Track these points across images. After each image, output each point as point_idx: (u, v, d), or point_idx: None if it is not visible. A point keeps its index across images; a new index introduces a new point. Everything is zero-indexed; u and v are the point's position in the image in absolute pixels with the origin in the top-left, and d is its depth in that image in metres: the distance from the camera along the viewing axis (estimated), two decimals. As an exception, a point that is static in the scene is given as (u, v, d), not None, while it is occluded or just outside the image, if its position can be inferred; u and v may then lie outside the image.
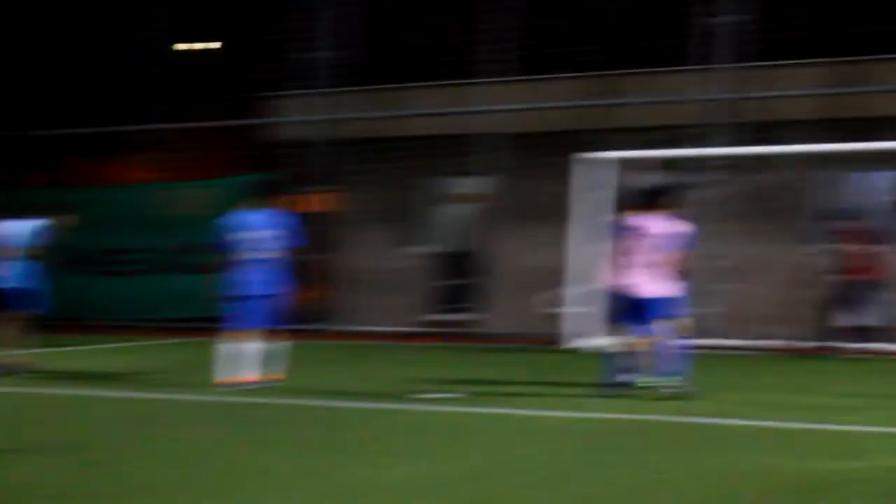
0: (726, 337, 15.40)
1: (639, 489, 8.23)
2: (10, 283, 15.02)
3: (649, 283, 12.32)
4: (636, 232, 12.48)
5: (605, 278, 12.93)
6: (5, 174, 23.89)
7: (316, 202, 21.95)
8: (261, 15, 23.03)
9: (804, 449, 9.56)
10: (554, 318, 18.71)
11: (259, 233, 13.42)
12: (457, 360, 17.32)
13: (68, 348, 17.89)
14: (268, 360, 13.28)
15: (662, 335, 12.37)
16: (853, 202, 17.63)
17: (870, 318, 16.35)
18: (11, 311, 15.01)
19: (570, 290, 17.96)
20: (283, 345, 13.38)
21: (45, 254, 15.01)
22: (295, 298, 13.60)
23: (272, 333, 13.27)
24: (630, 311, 12.61)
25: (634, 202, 13.02)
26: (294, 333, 13.81)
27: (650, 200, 12.59)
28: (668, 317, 12.34)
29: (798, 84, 18.50)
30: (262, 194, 13.65)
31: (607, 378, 12.51)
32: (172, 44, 25.17)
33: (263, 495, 8.07)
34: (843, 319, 16.27)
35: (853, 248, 16.36)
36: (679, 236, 12.37)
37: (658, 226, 12.43)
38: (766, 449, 9.59)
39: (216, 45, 26.49)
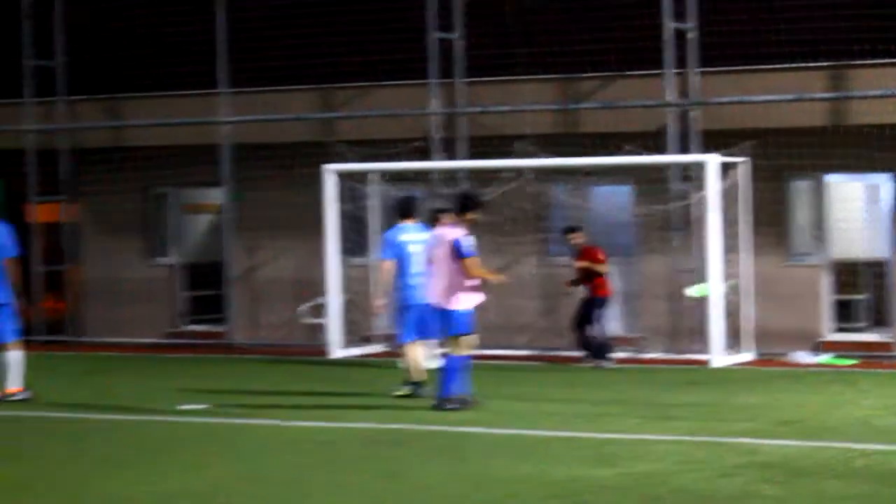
0: (486, 347, 15.95)
1: (394, 499, 8.60)
2: None
3: (446, 295, 12.63)
4: (434, 243, 12.86)
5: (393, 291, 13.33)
6: None
7: (50, 212, 21.70)
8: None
9: (562, 456, 10.19)
10: (314, 328, 19.01)
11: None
12: (205, 372, 17.52)
13: None
14: (3, 372, 13.27)
15: (451, 349, 12.70)
16: (581, 216, 18.41)
17: (603, 330, 17.15)
18: None
19: (330, 301, 18.29)
20: (18, 355, 13.34)
21: None
22: (25, 309, 13.59)
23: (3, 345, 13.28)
24: (427, 322, 12.99)
25: (436, 212, 13.57)
26: (30, 345, 13.75)
27: (457, 209, 12.85)
28: (457, 332, 12.66)
29: (535, 99, 19.24)
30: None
31: (443, 392, 12.65)
32: None
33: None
34: (592, 331, 17.05)
35: (581, 263, 17.22)
36: (463, 246, 12.60)
37: (451, 235, 12.72)
38: (526, 456, 10.18)
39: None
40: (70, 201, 21.76)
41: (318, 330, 18.94)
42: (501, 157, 18.41)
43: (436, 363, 13.57)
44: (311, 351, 18.79)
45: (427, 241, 13.23)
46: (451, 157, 19.23)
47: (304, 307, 19.48)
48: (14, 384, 13.49)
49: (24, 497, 8.68)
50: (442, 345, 13.37)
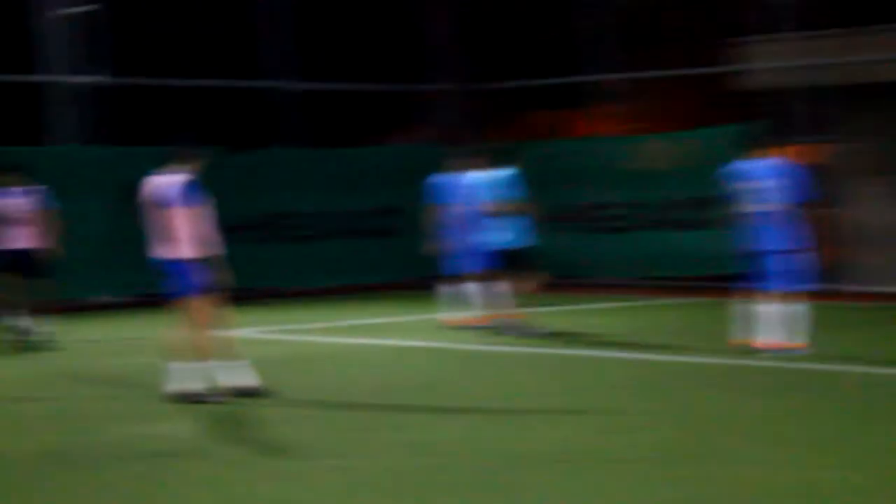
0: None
1: None
2: (505, 242, 15.40)
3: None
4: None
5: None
6: (466, 128, 24.62)
7: (807, 153, 21.37)
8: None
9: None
10: None
11: (762, 184, 13.15)
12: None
13: (560, 307, 18.29)
14: (788, 324, 12.95)
15: None
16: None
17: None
18: (507, 271, 15.43)
19: None
20: (802, 307, 12.99)
21: (523, 207, 15.32)
22: (813, 256, 13.22)
23: (791, 294, 12.95)
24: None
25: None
26: (812, 295, 13.36)
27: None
28: None
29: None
30: (761, 144, 13.36)
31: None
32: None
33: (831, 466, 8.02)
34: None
35: None
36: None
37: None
38: None
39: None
40: (831, 141, 21.28)
41: None
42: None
43: None
44: None
45: None
46: None
47: None
48: (796, 339, 13.07)
49: (806, 451, 8.47)
50: None
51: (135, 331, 17.55)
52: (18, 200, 16.14)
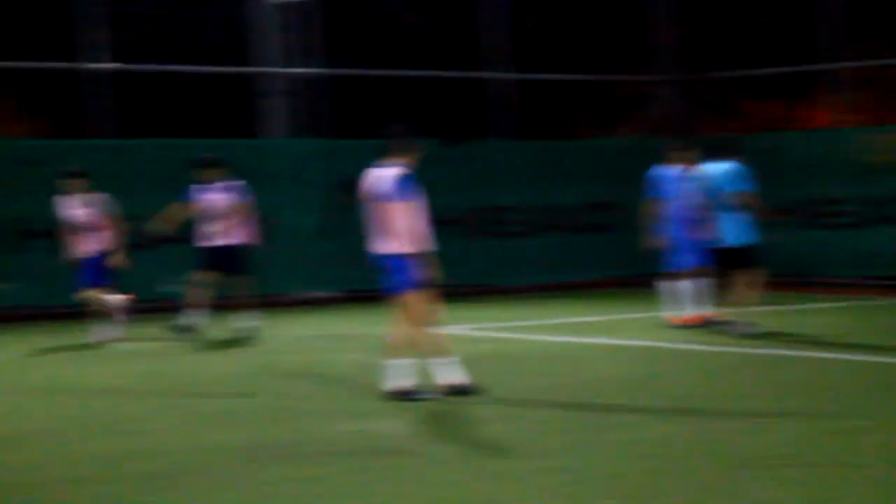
0: None
1: None
2: (728, 239, 14.97)
3: None
4: None
5: None
6: (684, 119, 24.18)
7: None
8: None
9: None
10: None
11: None
12: None
13: (781, 306, 17.79)
14: None
15: None
16: None
17: None
18: (728, 269, 15.00)
19: None
20: None
21: (749, 202, 14.84)
22: None
23: None
24: None
25: None
26: None
27: None
28: None
29: None
30: None
31: None
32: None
33: None
34: None
35: None
36: None
37: None
38: None
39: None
40: None
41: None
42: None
43: None
44: None
45: None
46: None
47: None
48: None
49: None
50: None
51: (345, 327, 17.63)
52: (219, 196, 16.28)
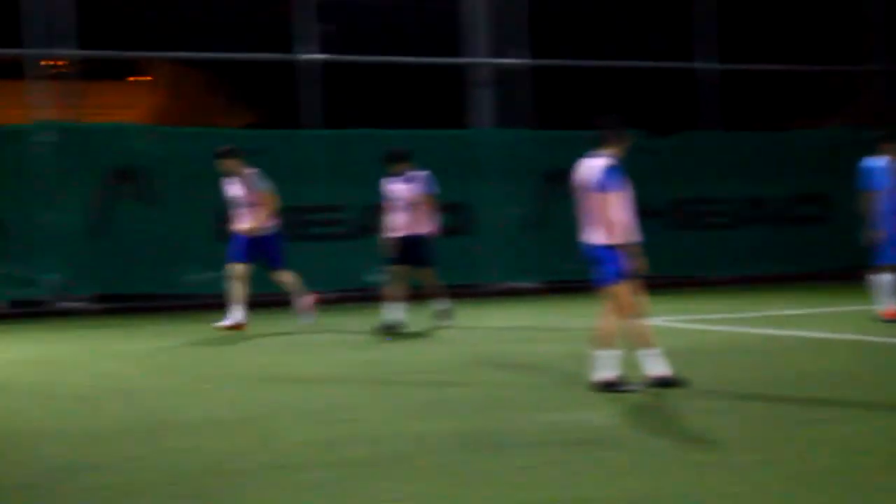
0: None
1: None
2: None
3: None
4: None
5: None
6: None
7: None
8: None
9: None
10: None
11: None
12: None
13: None
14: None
15: None
16: None
17: None
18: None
19: None
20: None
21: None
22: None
23: None
24: None
25: None
26: None
27: None
28: None
29: None
30: None
31: None
32: None
33: None
34: None
35: None
36: None
37: None
38: None
39: None
40: None
41: None
42: None
43: None
44: None
45: None
46: None
47: None
48: None
49: None
50: None
51: (549, 318, 17.68)
52: (405, 186, 16.31)
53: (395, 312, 16.23)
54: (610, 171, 10.94)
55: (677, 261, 21.72)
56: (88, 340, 16.35)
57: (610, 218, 10.89)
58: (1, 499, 7.74)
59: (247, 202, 16.43)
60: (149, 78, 37.27)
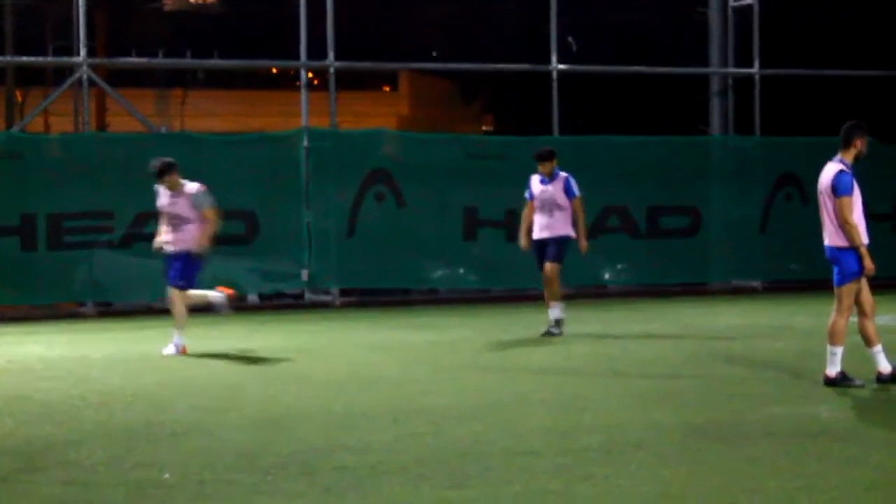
0: None
1: None
2: None
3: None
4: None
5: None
6: None
7: None
8: None
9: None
10: None
11: None
12: None
13: None
14: None
15: None
16: None
17: None
18: None
19: None
20: None
21: None
22: None
23: None
24: None
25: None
26: None
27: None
28: None
29: None
30: None
31: None
32: None
33: None
34: None
35: None
36: None
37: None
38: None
39: None
40: None
41: None
42: None
43: None
44: None
45: None
46: None
47: None
48: None
49: None
50: None
51: (776, 316, 17.34)
52: (546, 188, 15.27)
53: (556, 313, 15.22)
54: (842, 175, 10.82)
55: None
56: (335, 332, 16.51)
57: (843, 220, 10.77)
58: (261, 476, 7.98)
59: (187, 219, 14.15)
60: (398, 88, 38.04)
